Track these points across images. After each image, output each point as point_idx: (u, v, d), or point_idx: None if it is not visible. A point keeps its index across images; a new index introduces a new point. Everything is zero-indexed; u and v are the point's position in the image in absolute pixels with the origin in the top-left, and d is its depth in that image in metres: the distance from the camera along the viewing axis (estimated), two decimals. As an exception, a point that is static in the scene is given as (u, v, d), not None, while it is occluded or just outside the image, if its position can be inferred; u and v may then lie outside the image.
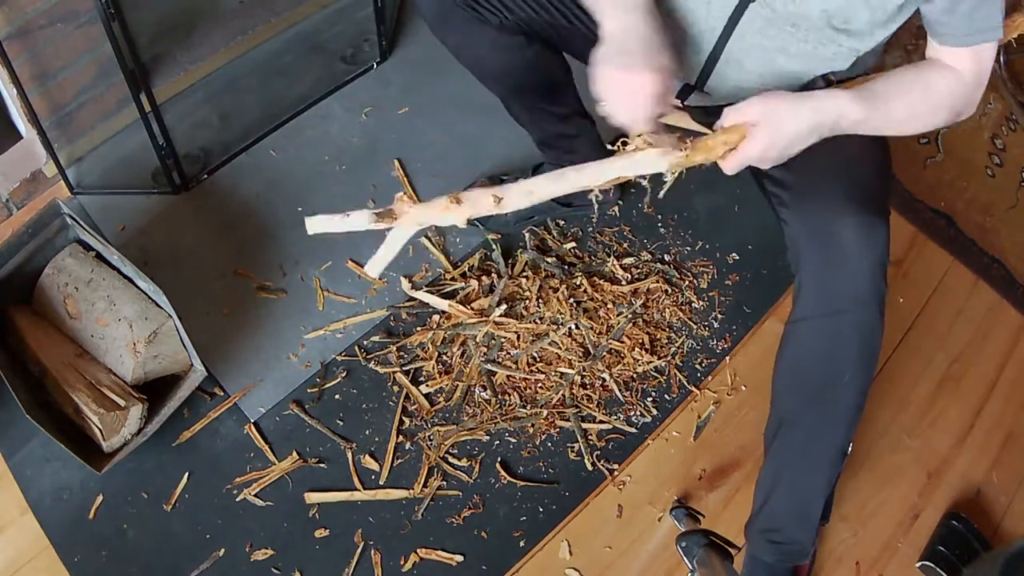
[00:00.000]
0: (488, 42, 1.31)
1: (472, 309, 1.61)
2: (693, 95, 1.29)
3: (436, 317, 1.62)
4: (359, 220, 0.90)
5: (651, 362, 1.59)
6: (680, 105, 1.38)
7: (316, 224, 0.90)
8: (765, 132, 1.02)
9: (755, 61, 1.17)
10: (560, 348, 1.57)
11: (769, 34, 1.13)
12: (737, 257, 1.73)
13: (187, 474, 1.46)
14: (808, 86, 1.18)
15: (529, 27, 1.30)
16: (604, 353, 1.58)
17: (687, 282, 1.69)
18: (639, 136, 1.01)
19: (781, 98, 1.03)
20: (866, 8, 1.05)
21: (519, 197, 0.97)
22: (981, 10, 1.02)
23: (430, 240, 1.72)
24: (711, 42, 1.18)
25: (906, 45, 1.66)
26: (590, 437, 1.53)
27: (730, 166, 1.05)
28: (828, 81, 1.19)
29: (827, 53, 1.13)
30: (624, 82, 1.02)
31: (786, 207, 1.17)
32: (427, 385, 1.55)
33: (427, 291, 1.65)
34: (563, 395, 1.54)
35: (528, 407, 1.53)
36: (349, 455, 1.49)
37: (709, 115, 1.37)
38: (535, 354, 1.57)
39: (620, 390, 1.56)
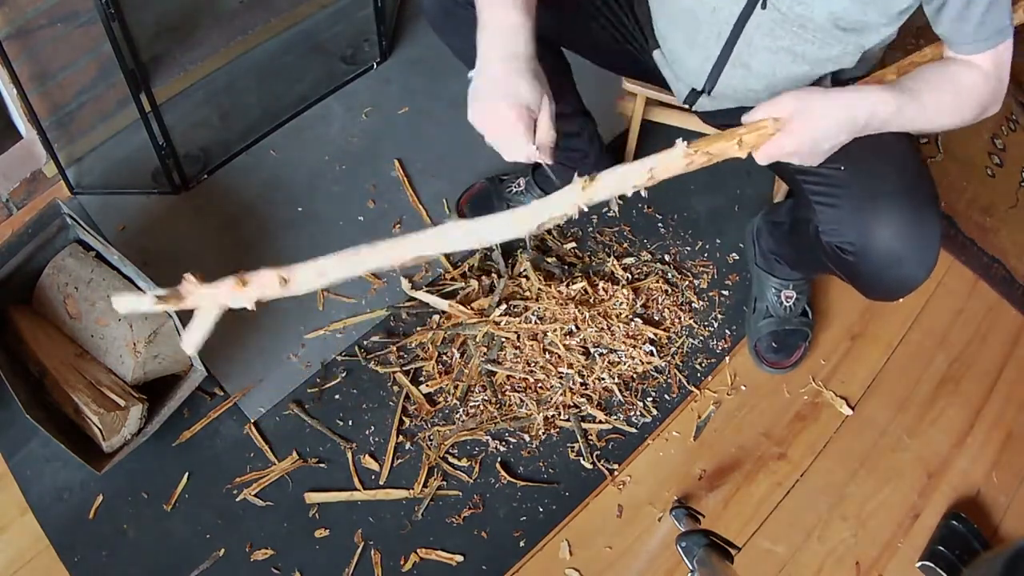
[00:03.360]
0: None
1: (472, 309, 1.61)
2: (701, 99, 1.29)
3: (436, 317, 1.62)
4: (144, 302, 0.81)
5: (651, 362, 1.59)
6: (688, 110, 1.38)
7: (123, 304, 0.81)
8: (800, 128, 1.00)
9: (762, 63, 1.17)
10: (560, 348, 1.57)
11: (776, 36, 1.13)
12: (737, 257, 1.73)
13: (187, 474, 1.46)
14: (816, 84, 1.19)
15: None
16: (604, 353, 1.58)
17: (687, 282, 1.69)
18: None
19: (815, 94, 1.01)
20: (874, 9, 1.05)
21: (310, 278, 0.87)
22: (991, 14, 1.02)
23: (430, 240, 1.72)
24: (717, 47, 1.19)
25: (906, 45, 1.66)
26: (590, 437, 1.53)
27: (763, 156, 1.04)
28: (838, 80, 1.19)
29: (833, 52, 1.13)
30: (490, 113, 1.00)
31: (832, 187, 1.16)
32: (427, 385, 1.55)
33: (427, 291, 1.65)
34: (563, 395, 1.54)
35: (528, 407, 1.53)
36: (349, 455, 1.49)
37: (715, 119, 1.37)
38: (535, 354, 1.57)
39: (620, 390, 1.56)
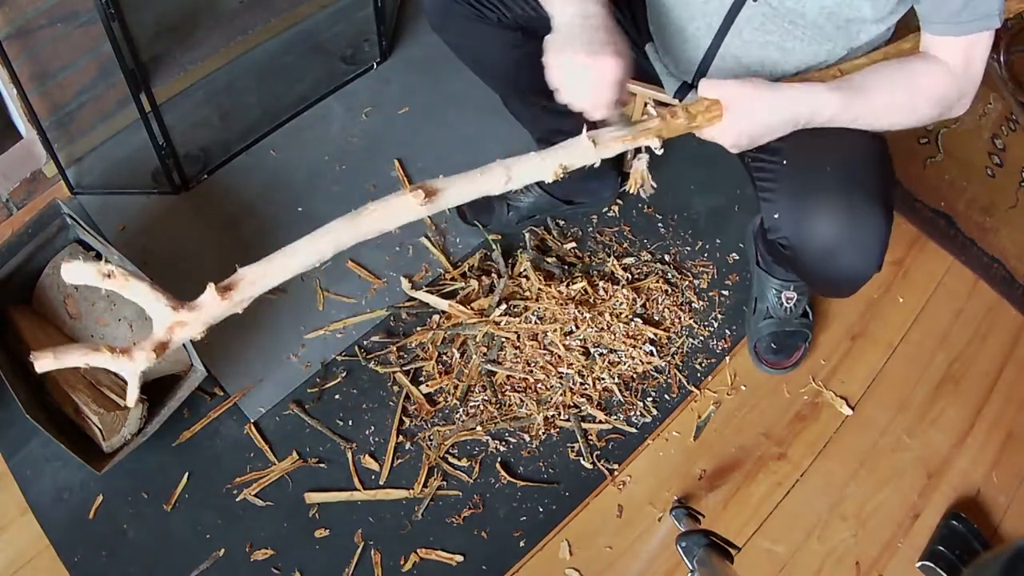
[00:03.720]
0: (487, 39, 1.31)
1: (472, 309, 1.61)
2: (691, 94, 1.30)
3: (436, 317, 1.62)
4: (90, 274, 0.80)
5: (651, 362, 1.59)
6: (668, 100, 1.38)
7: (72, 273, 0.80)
8: (738, 118, 1.03)
9: (752, 58, 1.17)
10: (560, 348, 1.57)
11: (767, 30, 1.13)
12: (737, 257, 1.73)
13: (187, 474, 1.46)
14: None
15: (527, 24, 1.31)
16: (604, 353, 1.58)
17: (687, 282, 1.69)
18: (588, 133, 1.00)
19: (759, 86, 1.03)
20: (868, 3, 1.05)
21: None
22: None
23: (430, 240, 1.72)
24: (708, 39, 1.19)
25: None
26: (590, 437, 1.52)
27: (705, 136, 1.07)
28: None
29: (822, 50, 1.13)
30: (587, 67, 1.00)
31: (773, 183, 1.17)
32: (427, 385, 1.55)
33: (427, 291, 1.65)
34: (563, 395, 1.54)
35: (528, 407, 1.53)
36: (349, 455, 1.49)
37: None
38: (535, 354, 1.57)
39: (620, 390, 1.56)
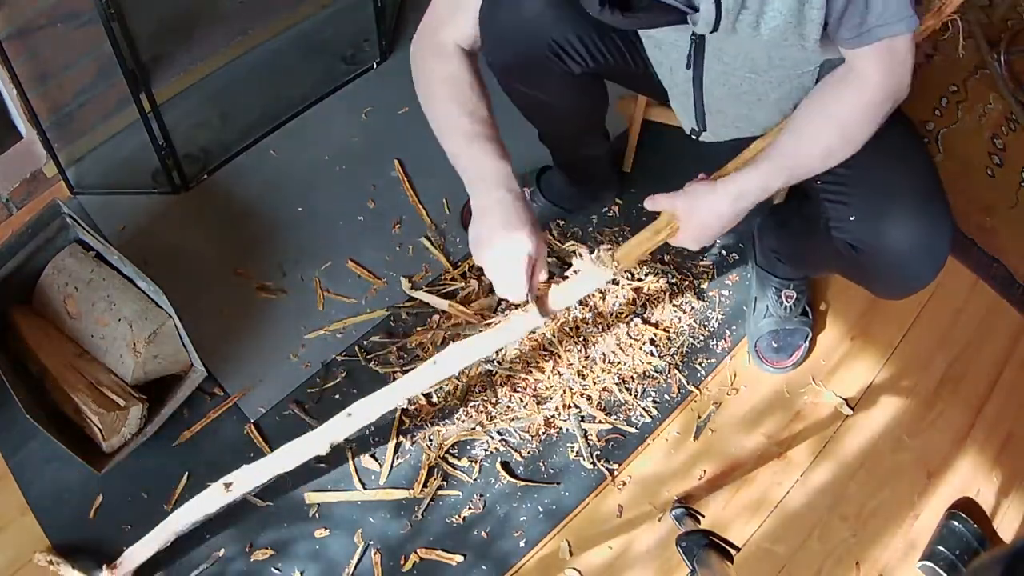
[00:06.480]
0: (563, 88, 1.29)
1: (472, 309, 1.61)
2: (703, 134, 1.34)
3: (436, 317, 1.62)
4: None
5: (651, 362, 1.59)
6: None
7: None
8: (690, 228, 1.17)
9: (734, 106, 1.22)
10: (560, 348, 1.57)
11: (733, 84, 1.17)
12: (737, 257, 1.73)
13: (187, 474, 1.46)
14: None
15: (603, 71, 1.30)
16: (604, 353, 1.58)
17: (687, 282, 1.69)
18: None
19: (698, 195, 1.14)
20: (795, 43, 1.02)
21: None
22: (877, 5, 0.95)
23: (430, 240, 1.72)
24: (691, 99, 1.24)
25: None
26: (590, 437, 1.52)
27: (674, 243, 1.21)
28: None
29: (795, 75, 1.14)
30: (499, 252, 1.09)
31: (844, 186, 1.18)
32: (427, 385, 1.56)
33: (427, 291, 1.65)
34: (563, 395, 1.54)
35: (528, 407, 1.53)
36: (349, 455, 1.49)
37: (723, 147, 1.36)
38: (535, 354, 1.57)
39: (620, 390, 1.56)
